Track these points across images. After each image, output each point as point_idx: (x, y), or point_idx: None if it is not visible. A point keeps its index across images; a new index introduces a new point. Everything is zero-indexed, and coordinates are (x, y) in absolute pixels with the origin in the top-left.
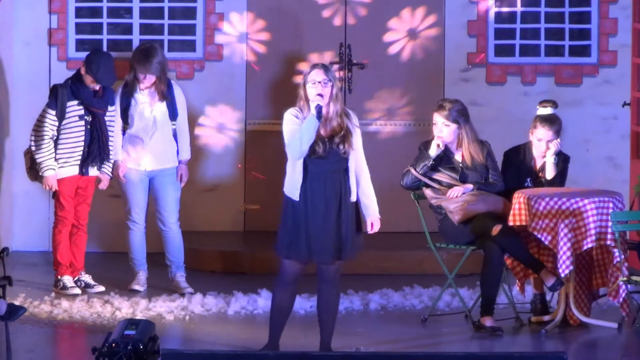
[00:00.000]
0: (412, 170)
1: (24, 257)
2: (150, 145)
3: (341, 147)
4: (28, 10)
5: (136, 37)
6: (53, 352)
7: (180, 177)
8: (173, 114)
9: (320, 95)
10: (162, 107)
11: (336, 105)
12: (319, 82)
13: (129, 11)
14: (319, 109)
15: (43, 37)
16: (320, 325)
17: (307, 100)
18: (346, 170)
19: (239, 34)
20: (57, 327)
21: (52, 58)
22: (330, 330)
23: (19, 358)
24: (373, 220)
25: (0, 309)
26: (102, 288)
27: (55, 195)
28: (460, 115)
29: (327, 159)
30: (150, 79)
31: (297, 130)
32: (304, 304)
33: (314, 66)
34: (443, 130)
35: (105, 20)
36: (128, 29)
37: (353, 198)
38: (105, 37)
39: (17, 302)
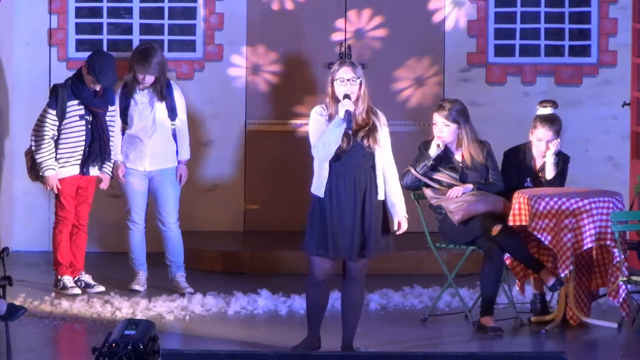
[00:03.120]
0: (412, 170)
1: (24, 257)
2: (150, 145)
3: (365, 141)
4: (28, 10)
5: (136, 37)
6: (53, 352)
7: (179, 177)
8: (172, 114)
9: (348, 97)
10: (161, 107)
11: (364, 103)
12: (348, 80)
13: (129, 11)
14: (348, 117)
15: (43, 37)
16: (343, 324)
17: (333, 97)
18: (372, 168)
19: (240, 34)
20: (57, 327)
21: (52, 58)
22: (353, 330)
23: (19, 358)
24: (400, 219)
25: (0, 309)
26: (102, 288)
27: (56, 195)
28: (460, 115)
29: (352, 155)
30: (150, 79)
31: (322, 131)
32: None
33: (342, 63)
34: (443, 130)
35: (105, 20)
36: (128, 29)
37: (381, 196)
38: (105, 37)
39: (17, 302)
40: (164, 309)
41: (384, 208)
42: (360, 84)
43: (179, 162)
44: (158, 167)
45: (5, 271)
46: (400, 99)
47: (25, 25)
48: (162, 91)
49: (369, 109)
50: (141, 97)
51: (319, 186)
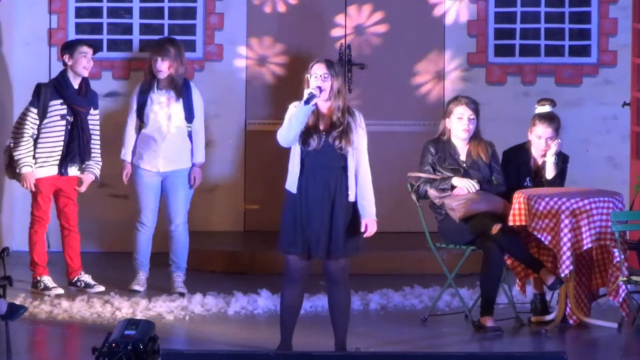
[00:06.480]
0: (430, 191)
1: (24, 257)
2: (164, 146)
3: (337, 142)
4: (28, 10)
5: (136, 37)
6: (53, 352)
7: (193, 180)
8: (189, 116)
9: (319, 88)
10: (177, 108)
11: (337, 101)
12: (320, 76)
13: (129, 11)
14: (310, 95)
15: (43, 37)
16: (333, 326)
17: None
18: (344, 169)
19: (239, 34)
20: (57, 327)
21: (52, 58)
22: (344, 331)
23: (19, 358)
24: (368, 221)
25: (0, 309)
26: (102, 288)
27: (33, 194)
28: (478, 111)
29: (323, 154)
30: (165, 65)
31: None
32: (304, 304)
33: (318, 60)
34: (470, 125)
35: (105, 20)
36: (128, 29)
37: (351, 198)
38: (105, 37)
39: (17, 302)
40: (164, 309)
41: (355, 210)
42: (333, 81)
43: (193, 165)
44: (171, 168)
45: (5, 271)
46: (401, 99)
47: (25, 25)
48: (179, 88)
49: (345, 109)
50: (158, 96)
51: (291, 182)
